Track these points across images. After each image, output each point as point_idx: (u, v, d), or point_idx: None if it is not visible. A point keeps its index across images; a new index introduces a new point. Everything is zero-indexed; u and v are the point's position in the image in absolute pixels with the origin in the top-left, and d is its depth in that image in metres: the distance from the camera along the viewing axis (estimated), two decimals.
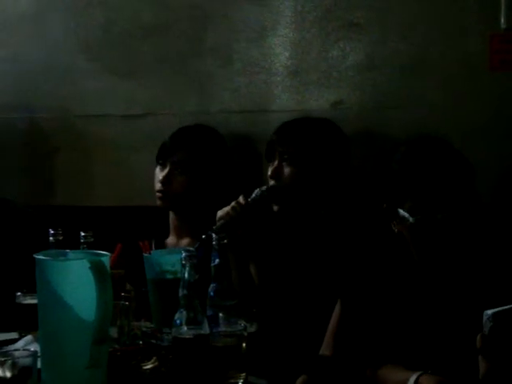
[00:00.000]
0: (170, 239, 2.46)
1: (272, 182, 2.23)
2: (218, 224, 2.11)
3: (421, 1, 2.41)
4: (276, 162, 2.23)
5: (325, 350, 1.95)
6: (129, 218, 2.61)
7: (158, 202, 2.40)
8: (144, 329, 1.84)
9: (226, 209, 2.14)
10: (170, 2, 2.63)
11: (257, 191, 2.19)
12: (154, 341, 1.79)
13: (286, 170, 2.22)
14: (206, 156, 2.41)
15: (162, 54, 2.64)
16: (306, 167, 2.21)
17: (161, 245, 2.35)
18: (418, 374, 1.58)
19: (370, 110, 2.43)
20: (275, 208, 2.23)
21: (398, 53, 2.40)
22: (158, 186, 2.39)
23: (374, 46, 2.42)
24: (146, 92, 2.67)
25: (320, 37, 2.47)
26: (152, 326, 1.90)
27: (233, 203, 2.15)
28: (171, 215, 2.46)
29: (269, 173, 2.25)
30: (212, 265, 1.79)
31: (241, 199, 2.16)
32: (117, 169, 2.73)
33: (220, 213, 2.15)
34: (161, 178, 2.37)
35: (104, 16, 2.70)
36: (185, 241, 2.40)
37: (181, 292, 1.56)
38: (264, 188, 2.20)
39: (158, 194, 2.39)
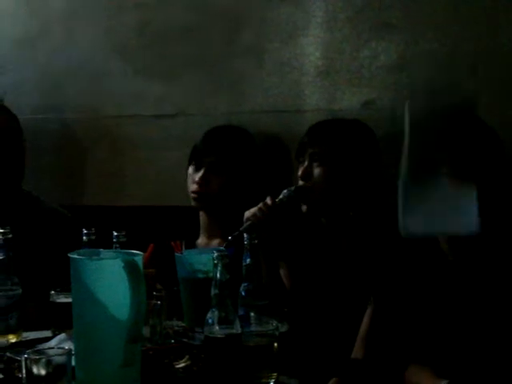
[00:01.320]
0: (201, 240, 2.47)
1: (301, 183, 2.23)
2: (245, 225, 2.11)
3: (453, 0, 2.40)
4: (306, 163, 2.23)
5: (356, 352, 1.94)
6: (160, 218, 2.62)
7: (194, 203, 2.41)
8: (176, 328, 1.85)
9: (253, 210, 2.14)
10: (202, 4, 2.65)
11: (284, 192, 2.18)
12: (185, 340, 1.81)
13: (316, 171, 2.21)
14: (239, 157, 2.42)
15: (194, 55, 2.65)
16: (335, 168, 2.20)
17: (191, 245, 2.36)
18: (446, 382, 1.58)
19: (401, 110, 2.41)
20: (303, 208, 2.23)
21: (430, 53, 2.39)
22: (193, 187, 2.40)
23: (406, 45, 2.40)
24: (178, 92, 2.68)
25: (351, 37, 2.47)
26: (184, 325, 1.92)
27: (260, 204, 2.15)
28: (202, 216, 2.47)
29: (299, 173, 2.24)
30: (243, 264, 1.80)
31: (268, 200, 2.16)
32: (148, 169, 2.75)
33: (247, 213, 2.15)
34: (197, 179, 2.38)
35: (137, 18, 2.72)
36: (215, 241, 2.41)
37: (213, 291, 1.56)
38: (292, 188, 2.19)
39: (193, 194, 2.39)
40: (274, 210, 2.14)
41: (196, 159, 2.41)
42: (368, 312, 1.96)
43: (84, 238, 1.93)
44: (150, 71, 2.72)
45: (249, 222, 2.12)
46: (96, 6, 2.77)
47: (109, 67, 2.76)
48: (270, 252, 2.14)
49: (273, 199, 2.16)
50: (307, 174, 2.22)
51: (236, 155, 2.41)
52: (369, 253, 2.14)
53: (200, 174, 2.38)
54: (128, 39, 2.73)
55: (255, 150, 2.48)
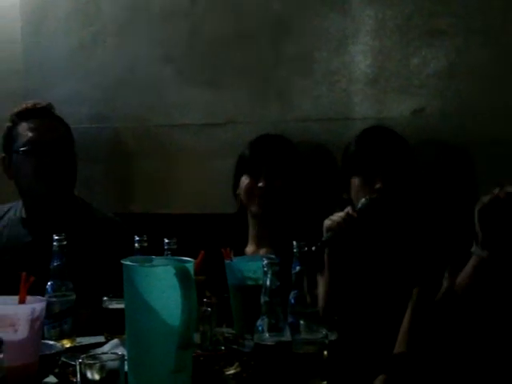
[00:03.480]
0: (249, 248, 2.48)
1: (373, 196, 2.17)
2: (328, 235, 2.08)
3: (504, 7, 2.37)
4: (379, 184, 2.18)
5: (399, 347, 1.95)
6: (209, 226, 2.64)
7: (258, 210, 2.41)
8: (226, 335, 1.86)
9: (335, 219, 2.10)
10: (251, 13, 2.66)
11: (362, 201, 2.15)
12: (235, 346, 1.81)
13: (388, 187, 2.18)
14: (289, 165, 2.43)
15: (243, 64, 2.67)
16: (395, 180, 2.19)
17: (240, 253, 2.37)
18: None
19: (452, 118, 2.40)
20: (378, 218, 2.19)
21: (481, 60, 2.37)
22: (255, 195, 2.41)
23: (457, 53, 2.39)
24: (227, 101, 2.70)
25: (401, 44, 2.46)
26: (233, 331, 1.93)
27: (342, 214, 2.11)
28: (252, 224, 2.48)
29: (358, 184, 2.22)
30: (293, 272, 1.80)
31: (350, 210, 2.13)
32: (197, 177, 2.77)
33: (328, 222, 2.11)
34: (260, 185, 2.38)
35: (187, 27, 2.75)
36: (263, 250, 2.42)
37: (262, 299, 1.56)
38: (368, 198, 2.16)
39: (258, 201, 2.41)
40: (355, 219, 2.11)
41: (250, 168, 2.43)
42: (409, 306, 1.97)
43: (136, 245, 1.96)
44: (199, 80, 2.74)
45: (331, 233, 2.09)
46: (147, 15, 2.81)
47: (159, 76, 2.79)
48: (335, 261, 2.13)
49: (353, 209, 2.14)
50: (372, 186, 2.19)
51: (287, 163, 2.42)
52: (416, 251, 2.14)
53: (261, 182, 2.39)
54: (178, 48, 2.76)
55: (300, 158, 2.49)
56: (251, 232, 2.48)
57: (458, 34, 2.39)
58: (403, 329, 2.01)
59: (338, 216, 2.12)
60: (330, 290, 2.11)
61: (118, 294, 1.89)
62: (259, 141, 2.47)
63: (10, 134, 2.46)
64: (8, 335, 1.32)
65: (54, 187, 2.41)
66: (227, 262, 2.03)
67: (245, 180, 2.43)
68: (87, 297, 2.03)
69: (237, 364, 1.68)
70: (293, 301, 1.76)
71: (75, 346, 1.87)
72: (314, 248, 2.00)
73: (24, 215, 2.49)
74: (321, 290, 2.12)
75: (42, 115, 2.48)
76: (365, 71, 2.51)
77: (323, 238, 2.08)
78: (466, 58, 2.38)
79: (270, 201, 2.40)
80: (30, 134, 2.42)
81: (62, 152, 2.44)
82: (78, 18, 2.92)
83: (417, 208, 2.26)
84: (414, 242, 2.18)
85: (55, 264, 1.92)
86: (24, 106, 2.50)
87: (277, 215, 2.42)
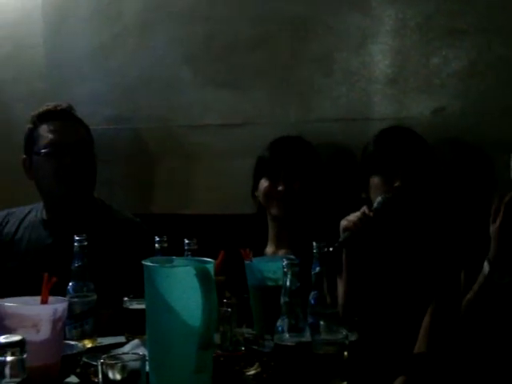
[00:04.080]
0: (269, 248, 2.48)
1: (388, 195, 2.16)
2: (344, 235, 2.08)
3: None
4: (398, 182, 2.16)
5: (419, 347, 1.95)
6: (228, 227, 2.65)
7: (279, 212, 2.42)
8: (246, 335, 1.86)
9: (352, 219, 2.09)
10: (271, 13, 2.66)
11: (379, 199, 2.14)
12: (255, 347, 1.81)
13: (407, 187, 2.17)
14: (309, 166, 2.43)
15: (262, 65, 2.67)
16: (413, 179, 2.18)
17: (259, 253, 2.37)
18: None
19: (473, 117, 2.39)
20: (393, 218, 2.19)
21: (502, 59, 2.35)
22: (273, 197, 2.41)
23: (477, 52, 2.37)
24: (247, 102, 2.70)
25: (421, 44, 2.45)
26: (253, 332, 1.93)
27: (358, 214, 2.11)
28: (271, 225, 2.48)
29: (376, 183, 2.21)
30: (312, 273, 1.80)
31: (366, 210, 2.12)
32: (216, 178, 2.78)
33: (344, 223, 2.10)
34: (280, 188, 2.39)
35: (207, 29, 2.75)
36: (283, 251, 2.42)
37: (282, 299, 1.57)
38: (384, 197, 2.15)
39: (277, 203, 2.41)
40: (371, 219, 2.11)
41: (269, 171, 2.43)
42: (430, 307, 1.97)
43: (156, 245, 1.96)
44: (218, 81, 2.74)
45: (348, 233, 2.08)
46: (167, 17, 2.81)
47: (179, 77, 2.80)
48: (356, 259, 2.12)
49: (369, 209, 2.14)
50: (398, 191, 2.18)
51: (306, 165, 2.42)
52: (435, 252, 2.13)
53: (281, 186, 2.39)
54: (198, 50, 2.77)
55: (319, 160, 2.49)
56: (271, 233, 2.48)
57: (478, 34, 2.38)
58: (423, 329, 2.01)
59: (354, 216, 2.11)
60: (349, 291, 2.11)
61: (138, 295, 1.90)
62: (278, 143, 2.47)
63: (31, 136, 2.48)
64: (30, 335, 1.33)
65: (74, 189, 2.42)
66: (247, 262, 2.03)
67: (264, 183, 2.43)
68: (108, 297, 2.04)
69: (257, 364, 1.68)
70: (313, 301, 1.76)
71: (96, 347, 1.88)
72: (331, 249, 1.99)
73: (45, 217, 2.51)
74: (340, 290, 2.12)
75: (63, 117, 2.49)
76: (385, 71, 2.51)
77: (340, 239, 2.07)
78: (487, 57, 2.37)
79: (290, 203, 2.40)
80: (50, 136, 2.43)
81: (82, 154, 2.45)
82: (99, 19, 2.93)
83: (436, 207, 2.25)
84: (433, 242, 2.17)
85: (76, 265, 1.93)
86: (45, 107, 2.51)
87: (296, 217, 2.42)
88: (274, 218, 2.45)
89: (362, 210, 2.13)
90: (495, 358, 1.99)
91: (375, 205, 2.14)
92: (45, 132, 2.45)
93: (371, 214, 2.11)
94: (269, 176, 2.42)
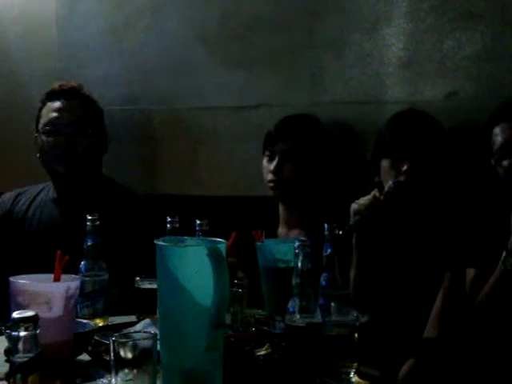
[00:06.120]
0: (281, 230, 2.48)
1: (401, 178, 2.15)
2: (355, 218, 2.08)
3: None
4: (406, 166, 2.15)
5: (429, 331, 1.95)
6: (240, 208, 2.65)
7: (271, 192, 2.43)
8: (257, 316, 1.87)
9: (363, 202, 2.09)
10: None
11: (390, 184, 2.14)
12: (266, 328, 1.82)
13: (415, 168, 2.16)
14: (312, 145, 2.42)
15: (276, 47, 2.66)
16: (424, 162, 2.17)
17: (272, 235, 2.38)
18: None
19: (487, 101, 2.37)
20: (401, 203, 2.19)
21: None
22: (269, 176, 2.42)
23: (492, 35, 2.35)
24: (260, 84, 2.70)
25: (435, 27, 2.43)
26: (264, 313, 1.94)
27: (370, 197, 2.11)
28: (281, 206, 2.49)
29: (390, 171, 2.19)
30: (324, 255, 1.80)
31: (377, 193, 2.12)
32: (229, 159, 2.78)
33: (355, 206, 2.10)
34: (272, 168, 2.40)
35: (220, 10, 2.74)
36: (294, 232, 2.42)
37: (294, 280, 1.57)
38: (396, 181, 2.14)
39: (270, 184, 2.42)
40: (382, 202, 2.10)
41: (269, 148, 2.43)
42: (441, 291, 1.96)
43: (168, 226, 1.97)
44: (232, 63, 2.74)
45: (358, 216, 2.08)
46: None
47: (192, 59, 2.80)
48: (366, 242, 2.12)
49: (380, 192, 2.13)
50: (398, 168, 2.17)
51: (308, 143, 2.42)
52: (442, 234, 2.12)
53: (274, 163, 2.40)
54: (211, 31, 2.77)
55: (327, 139, 2.48)
56: (281, 214, 2.49)
57: (493, 17, 2.36)
58: (434, 313, 2.00)
59: (364, 199, 2.11)
60: (359, 274, 2.11)
61: (150, 274, 1.91)
62: (282, 121, 2.47)
63: (39, 115, 2.52)
64: (43, 312, 1.34)
65: (69, 167, 2.44)
66: (258, 244, 2.03)
67: (263, 163, 2.46)
68: (119, 277, 2.05)
69: (268, 345, 1.69)
70: (324, 283, 1.77)
71: (107, 325, 1.89)
72: (341, 232, 1.98)
73: (55, 195, 2.53)
74: (351, 273, 2.12)
75: (64, 96, 2.51)
76: (398, 54, 2.49)
77: (351, 222, 2.07)
78: (501, 40, 2.35)
79: (281, 184, 2.40)
80: (50, 115, 2.48)
81: (80, 132, 2.46)
82: (111, 1, 2.93)
83: (448, 191, 2.24)
84: (445, 226, 2.16)
85: (88, 244, 1.94)
86: (52, 87, 2.54)
87: (291, 199, 2.42)
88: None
89: (372, 194, 2.13)
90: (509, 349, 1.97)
91: (386, 189, 2.14)
92: (46, 111, 2.50)
93: (382, 197, 2.11)
94: (268, 155, 2.43)
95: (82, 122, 2.49)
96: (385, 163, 2.21)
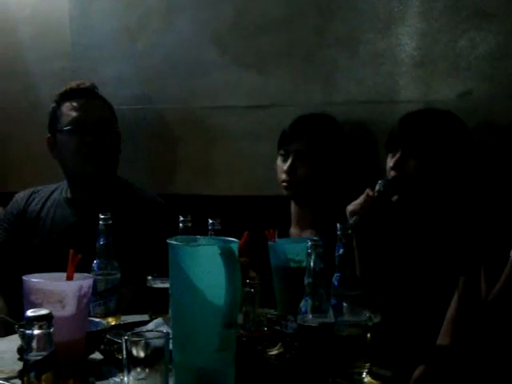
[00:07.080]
0: (293, 229, 2.48)
1: (392, 173, 2.18)
2: (354, 219, 2.07)
3: None
4: (398, 154, 2.19)
5: (443, 338, 1.93)
6: (253, 207, 2.65)
7: (285, 192, 2.43)
8: (269, 316, 1.87)
9: (358, 202, 2.10)
10: None
11: (380, 182, 2.14)
12: (278, 327, 1.82)
13: (410, 163, 2.17)
14: (327, 145, 2.42)
15: (288, 46, 2.66)
16: (428, 160, 2.16)
17: (284, 234, 2.38)
18: None
19: (500, 101, 2.37)
20: (394, 198, 2.19)
21: None
22: (283, 176, 2.42)
23: (506, 35, 2.34)
24: (272, 83, 2.70)
25: (449, 26, 2.42)
26: (276, 312, 1.94)
27: (363, 196, 2.11)
28: (293, 206, 2.48)
29: (390, 164, 2.21)
30: (336, 255, 1.80)
31: (369, 192, 2.13)
32: (241, 159, 2.78)
33: (351, 207, 2.10)
34: (285, 168, 2.40)
35: (233, 9, 2.74)
36: (307, 232, 2.42)
37: (306, 280, 1.56)
38: (386, 179, 2.15)
39: (283, 183, 2.42)
40: (375, 201, 2.10)
41: (283, 148, 2.43)
42: (455, 296, 1.94)
43: (180, 225, 1.97)
44: (244, 62, 2.74)
45: (356, 217, 2.07)
46: None
47: (204, 58, 2.80)
48: (366, 243, 2.12)
49: (373, 190, 2.13)
50: (399, 164, 2.18)
51: (323, 143, 2.41)
52: (456, 237, 2.11)
53: (288, 163, 2.40)
54: (224, 30, 2.76)
55: (343, 139, 2.47)
56: (293, 214, 2.49)
57: (506, 16, 2.35)
58: (448, 319, 1.98)
59: (359, 199, 2.11)
60: (362, 274, 2.10)
61: (162, 274, 1.91)
62: (297, 120, 2.46)
63: (55, 114, 2.50)
64: (56, 311, 1.34)
65: (96, 167, 2.44)
66: (270, 243, 2.03)
67: (277, 163, 2.45)
68: (131, 276, 2.06)
69: (280, 345, 1.68)
70: (336, 283, 1.76)
71: (120, 324, 1.90)
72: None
73: (69, 195, 2.53)
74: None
75: (86, 95, 2.50)
76: (411, 53, 2.49)
77: (350, 223, 2.06)
78: None
79: (294, 184, 2.40)
80: (73, 114, 2.45)
81: (105, 131, 2.46)
82: (124, 0, 2.93)
83: (460, 191, 2.23)
84: (457, 228, 2.15)
85: (101, 243, 1.94)
86: (68, 86, 2.53)
87: (305, 198, 2.42)
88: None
89: (365, 193, 2.13)
90: None
91: (377, 186, 2.14)
92: (68, 110, 2.46)
93: (375, 195, 2.11)
94: (282, 154, 2.43)
95: (108, 120, 2.49)
96: (387, 160, 2.21)
